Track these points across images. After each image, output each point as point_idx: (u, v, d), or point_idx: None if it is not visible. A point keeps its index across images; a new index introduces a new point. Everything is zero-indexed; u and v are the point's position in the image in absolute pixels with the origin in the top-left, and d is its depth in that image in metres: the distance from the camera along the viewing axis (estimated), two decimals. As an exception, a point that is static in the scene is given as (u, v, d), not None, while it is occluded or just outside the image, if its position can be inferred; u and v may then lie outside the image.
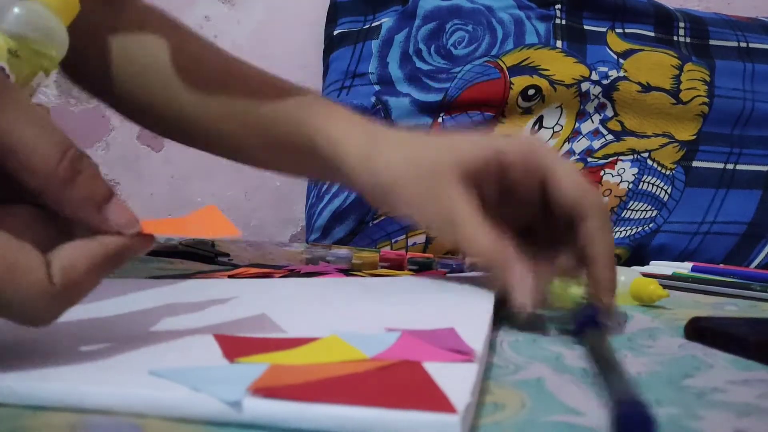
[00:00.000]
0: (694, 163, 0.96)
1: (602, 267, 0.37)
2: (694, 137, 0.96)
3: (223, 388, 0.22)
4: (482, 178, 0.39)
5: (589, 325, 0.35)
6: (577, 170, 0.39)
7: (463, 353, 0.26)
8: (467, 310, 0.36)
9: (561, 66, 0.96)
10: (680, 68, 0.97)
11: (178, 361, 0.26)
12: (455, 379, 0.23)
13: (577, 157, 0.96)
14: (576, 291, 0.40)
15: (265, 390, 0.22)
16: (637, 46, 0.98)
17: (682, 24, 1.01)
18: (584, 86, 0.95)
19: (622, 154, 0.96)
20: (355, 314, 0.36)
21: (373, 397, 0.21)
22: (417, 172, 0.39)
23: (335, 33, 1.05)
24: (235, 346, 0.28)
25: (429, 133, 0.43)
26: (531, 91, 0.95)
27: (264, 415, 0.21)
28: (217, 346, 0.28)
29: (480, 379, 0.26)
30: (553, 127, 0.96)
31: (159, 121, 0.51)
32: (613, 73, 0.96)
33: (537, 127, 0.97)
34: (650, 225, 0.94)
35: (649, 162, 0.95)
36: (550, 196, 0.38)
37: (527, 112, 0.96)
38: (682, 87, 0.96)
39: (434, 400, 0.21)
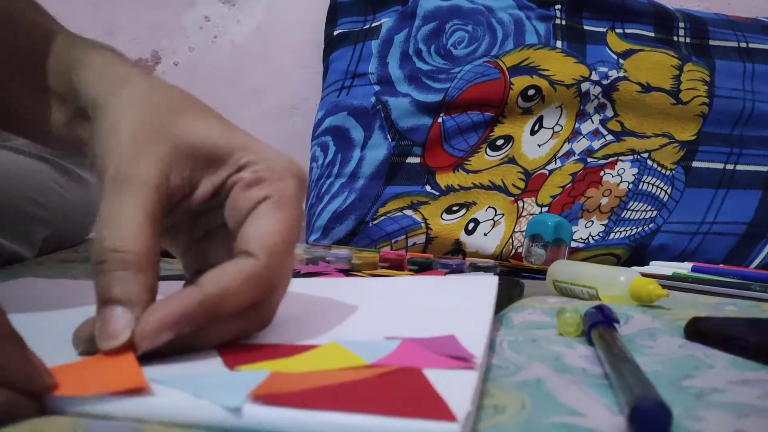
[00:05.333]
0: (694, 164, 0.96)
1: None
2: (694, 137, 0.96)
3: (224, 394, 0.22)
4: (210, 166, 0.32)
5: (601, 324, 0.35)
6: (291, 222, 0.30)
7: (463, 360, 0.26)
8: (467, 313, 0.36)
9: (561, 66, 0.96)
10: (680, 68, 0.97)
11: (179, 369, 0.26)
12: (455, 386, 0.23)
13: (577, 157, 0.96)
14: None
15: (265, 397, 0.22)
16: (637, 47, 0.98)
17: (682, 24, 1.01)
18: (584, 86, 0.95)
19: (622, 154, 0.96)
20: (354, 318, 0.36)
21: (373, 404, 0.21)
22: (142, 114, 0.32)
23: (335, 33, 1.05)
24: (235, 355, 0.28)
25: (186, 95, 0.35)
26: (531, 92, 0.95)
27: (264, 422, 0.21)
28: (216, 353, 0.28)
29: (480, 385, 0.26)
30: (553, 128, 0.96)
31: None
32: (613, 74, 0.96)
33: (537, 127, 0.97)
34: (650, 225, 0.94)
35: (649, 162, 0.95)
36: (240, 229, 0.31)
37: (527, 112, 0.96)
38: (682, 87, 0.96)
39: (434, 407, 0.21)
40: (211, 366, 0.26)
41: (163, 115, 0.32)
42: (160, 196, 0.29)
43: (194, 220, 0.33)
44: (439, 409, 0.21)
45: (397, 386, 0.23)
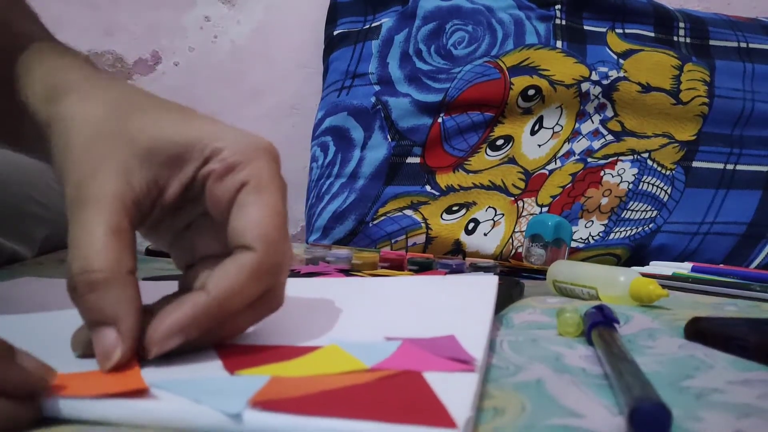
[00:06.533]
0: (694, 164, 0.96)
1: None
2: (694, 137, 0.96)
3: (224, 400, 0.22)
4: (175, 165, 0.30)
5: (601, 324, 0.35)
6: (274, 205, 0.30)
7: (463, 362, 0.26)
8: (467, 313, 0.36)
9: (561, 66, 0.96)
10: (680, 68, 0.97)
11: (179, 373, 0.26)
12: (456, 390, 0.23)
13: (577, 157, 0.96)
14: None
15: (265, 403, 0.22)
16: (637, 47, 0.98)
17: (682, 24, 1.01)
18: (584, 86, 0.95)
19: (622, 154, 0.96)
20: (354, 319, 0.36)
21: (373, 410, 0.21)
22: (95, 130, 0.30)
23: (335, 33, 1.05)
24: (235, 358, 0.28)
25: (135, 94, 0.34)
26: (531, 92, 0.95)
27: (264, 428, 0.21)
28: (217, 356, 0.28)
29: (480, 387, 0.25)
30: (553, 128, 0.96)
31: None
32: (613, 74, 0.95)
33: (537, 127, 0.97)
34: (650, 225, 0.94)
35: (649, 162, 0.95)
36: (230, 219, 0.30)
37: (527, 112, 0.96)
38: (682, 87, 0.96)
39: (434, 413, 0.21)
40: (212, 370, 0.26)
41: (113, 122, 0.31)
42: (125, 206, 0.28)
43: (174, 215, 0.32)
44: (439, 415, 0.21)
45: (397, 391, 0.23)
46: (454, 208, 0.95)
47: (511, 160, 0.96)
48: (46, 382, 0.23)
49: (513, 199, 0.95)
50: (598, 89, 0.95)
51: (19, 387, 0.23)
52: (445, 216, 0.95)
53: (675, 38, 1.00)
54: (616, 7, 1.01)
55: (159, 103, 0.33)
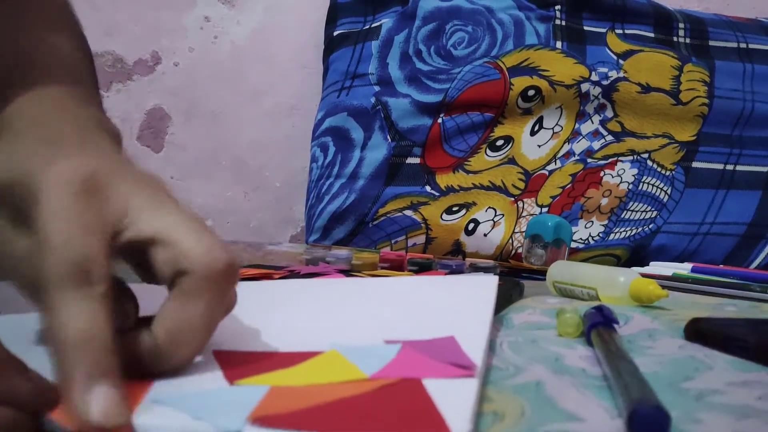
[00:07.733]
0: (694, 164, 0.96)
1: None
2: (693, 138, 0.96)
3: (224, 416, 0.22)
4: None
5: (601, 325, 0.35)
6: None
7: (463, 367, 0.26)
8: (467, 313, 0.36)
9: (561, 67, 0.96)
10: (680, 69, 0.97)
11: (180, 385, 0.26)
12: (456, 399, 0.23)
13: (576, 157, 0.96)
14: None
15: (264, 419, 0.22)
16: (636, 47, 0.98)
17: (681, 25, 1.01)
18: (584, 87, 0.95)
19: (622, 154, 0.96)
20: (354, 320, 0.35)
21: (372, 424, 0.21)
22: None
23: (335, 33, 1.05)
24: (235, 366, 0.28)
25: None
26: (531, 92, 0.95)
27: None
28: (217, 364, 0.28)
29: (480, 392, 0.25)
30: (552, 128, 0.96)
31: None
32: (613, 74, 0.96)
33: (537, 127, 0.97)
34: (650, 226, 0.94)
35: (649, 163, 0.95)
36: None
37: (527, 112, 0.96)
38: (681, 88, 0.96)
39: (434, 428, 0.21)
40: (212, 381, 0.26)
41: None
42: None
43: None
44: (438, 430, 0.21)
45: (397, 403, 0.23)
46: (454, 209, 0.95)
47: (511, 161, 0.96)
48: (53, 404, 0.23)
49: (513, 199, 0.95)
50: (597, 90, 0.95)
51: (28, 402, 0.23)
52: (445, 216, 0.95)
53: (675, 39, 1.01)
54: (615, 8, 1.01)
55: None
